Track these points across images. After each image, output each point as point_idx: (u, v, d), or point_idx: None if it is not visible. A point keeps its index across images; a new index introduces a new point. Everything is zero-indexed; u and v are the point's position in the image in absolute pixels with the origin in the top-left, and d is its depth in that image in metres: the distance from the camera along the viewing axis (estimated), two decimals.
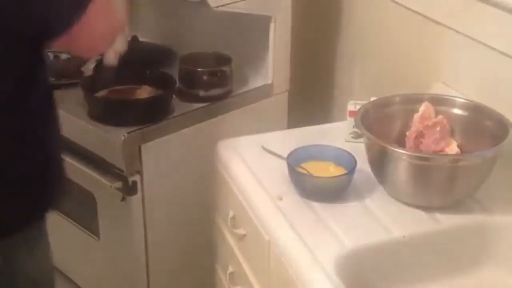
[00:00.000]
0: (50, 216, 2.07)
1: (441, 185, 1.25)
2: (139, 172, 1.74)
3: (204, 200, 1.73)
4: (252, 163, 1.44)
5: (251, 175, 1.40)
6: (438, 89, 1.57)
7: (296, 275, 1.15)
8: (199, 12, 2.06)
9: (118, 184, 1.73)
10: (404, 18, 1.71)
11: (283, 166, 1.35)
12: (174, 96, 1.84)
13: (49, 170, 1.26)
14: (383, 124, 1.36)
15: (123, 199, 1.76)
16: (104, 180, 1.75)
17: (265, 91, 1.96)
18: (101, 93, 1.83)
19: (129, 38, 2.12)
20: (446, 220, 1.25)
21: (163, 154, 1.78)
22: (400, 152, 1.25)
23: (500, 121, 1.29)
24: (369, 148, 1.31)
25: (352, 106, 1.51)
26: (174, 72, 1.90)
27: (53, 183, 1.28)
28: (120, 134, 1.69)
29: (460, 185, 1.25)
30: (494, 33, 1.42)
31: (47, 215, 1.28)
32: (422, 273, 1.23)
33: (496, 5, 1.39)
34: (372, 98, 1.44)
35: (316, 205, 1.30)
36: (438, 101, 1.39)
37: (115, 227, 1.85)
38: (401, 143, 1.37)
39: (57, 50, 1.84)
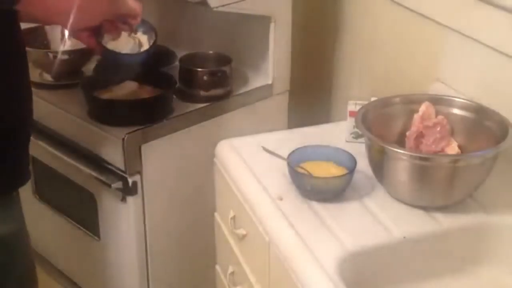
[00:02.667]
0: (50, 216, 2.08)
1: (441, 185, 1.25)
2: (139, 172, 1.74)
3: (204, 200, 1.73)
4: (252, 163, 1.44)
5: (251, 175, 1.40)
6: (438, 89, 1.57)
7: (296, 275, 1.15)
8: (199, 12, 2.06)
9: (118, 184, 1.73)
10: (404, 18, 1.71)
11: (283, 166, 1.35)
12: (174, 96, 1.84)
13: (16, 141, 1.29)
14: (383, 124, 1.36)
15: (123, 199, 1.76)
16: (104, 180, 1.75)
17: (265, 91, 1.96)
18: (101, 93, 1.83)
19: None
20: (446, 220, 1.25)
21: (163, 154, 1.78)
22: (400, 152, 1.25)
23: (500, 121, 1.30)
24: (369, 148, 1.31)
25: (352, 106, 1.51)
26: (174, 72, 1.90)
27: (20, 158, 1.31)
28: (120, 134, 1.69)
29: (460, 185, 1.25)
30: (494, 33, 1.42)
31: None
32: (422, 273, 1.23)
33: (496, 5, 1.39)
34: (372, 98, 1.44)
35: (316, 205, 1.30)
36: (438, 101, 1.39)
37: (115, 227, 1.85)
38: (401, 143, 1.37)
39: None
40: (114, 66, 1.68)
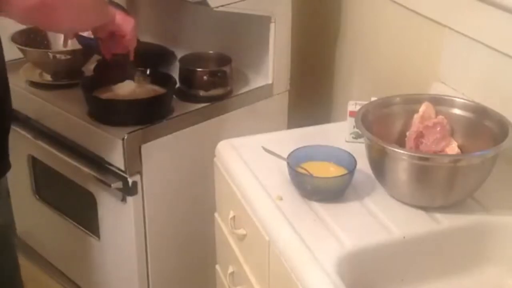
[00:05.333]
0: (50, 216, 2.08)
1: (441, 185, 1.25)
2: (139, 172, 1.74)
3: (204, 200, 1.73)
4: (252, 163, 1.44)
5: (251, 175, 1.40)
6: (438, 89, 1.57)
7: (296, 275, 1.15)
8: (199, 12, 2.06)
9: (118, 184, 1.73)
10: (404, 18, 1.71)
11: (283, 166, 1.35)
12: (174, 96, 1.84)
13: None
14: (383, 124, 1.36)
15: (123, 199, 1.76)
16: (104, 180, 1.75)
17: (265, 91, 1.96)
18: (101, 93, 1.83)
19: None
20: (446, 220, 1.25)
21: (163, 154, 1.78)
22: (400, 152, 1.25)
23: (500, 121, 1.29)
24: (369, 148, 1.31)
25: (352, 106, 1.51)
26: (174, 72, 1.91)
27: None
28: (120, 134, 1.69)
29: (460, 185, 1.25)
30: (494, 33, 1.42)
31: None
32: (422, 273, 1.23)
33: (496, 5, 1.39)
34: (372, 98, 1.44)
35: (316, 205, 1.30)
36: (438, 101, 1.39)
37: (115, 227, 1.85)
38: (401, 143, 1.37)
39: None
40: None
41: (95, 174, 1.77)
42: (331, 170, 1.34)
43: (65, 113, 1.84)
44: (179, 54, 2.00)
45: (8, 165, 1.40)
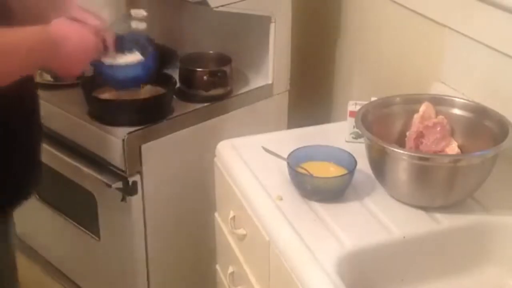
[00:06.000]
0: (50, 216, 2.07)
1: (441, 185, 1.25)
2: (139, 172, 1.74)
3: (204, 200, 1.73)
4: (252, 163, 1.44)
5: (251, 175, 1.40)
6: (438, 89, 1.57)
7: (296, 275, 1.15)
8: (199, 12, 2.06)
9: (118, 184, 1.73)
10: (404, 18, 1.71)
11: (283, 166, 1.35)
12: (174, 96, 1.84)
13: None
14: (383, 124, 1.36)
15: (123, 199, 1.76)
16: (104, 180, 1.75)
17: (265, 91, 1.96)
18: (101, 93, 1.82)
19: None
20: (446, 220, 1.25)
21: (163, 154, 1.78)
22: (400, 153, 1.25)
23: (500, 121, 1.29)
24: (369, 149, 1.31)
25: (352, 106, 1.51)
26: (174, 72, 1.90)
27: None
28: (120, 134, 1.69)
29: (460, 185, 1.25)
30: (494, 33, 1.42)
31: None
32: (422, 273, 1.23)
33: (496, 5, 1.39)
34: (372, 98, 1.44)
35: (316, 205, 1.30)
36: (438, 101, 1.39)
37: (115, 227, 1.85)
38: (401, 143, 1.37)
39: None
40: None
41: (95, 174, 1.77)
42: (331, 170, 1.34)
43: (65, 113, 1.84)
44: (179, 54, 2.00)
45: (39, 177, 1.37)
